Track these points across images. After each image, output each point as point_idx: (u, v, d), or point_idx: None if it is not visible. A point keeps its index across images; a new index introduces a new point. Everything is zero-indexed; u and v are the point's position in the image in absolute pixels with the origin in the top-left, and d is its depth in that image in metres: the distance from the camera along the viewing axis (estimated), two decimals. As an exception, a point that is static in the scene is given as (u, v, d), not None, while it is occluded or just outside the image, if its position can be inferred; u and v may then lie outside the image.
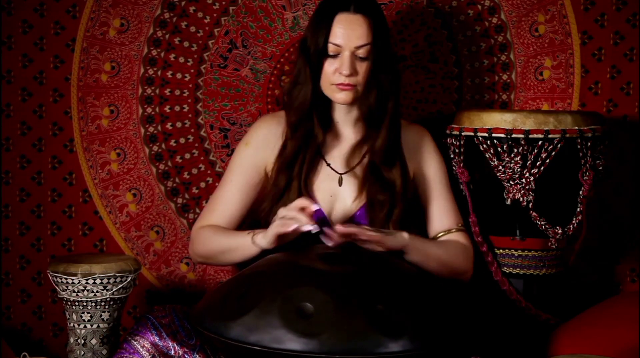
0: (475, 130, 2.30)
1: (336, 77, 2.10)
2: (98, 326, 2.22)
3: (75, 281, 2.19)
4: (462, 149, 2.33)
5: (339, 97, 2.13)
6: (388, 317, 1.71)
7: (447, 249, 2.19)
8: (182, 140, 2.57)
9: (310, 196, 2.12)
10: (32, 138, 2.53)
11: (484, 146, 2.28)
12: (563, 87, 2.57)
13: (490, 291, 2.37)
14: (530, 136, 2.24)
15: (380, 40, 2.11)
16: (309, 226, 1.96)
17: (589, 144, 2.28)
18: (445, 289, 1.97)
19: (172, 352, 1.93)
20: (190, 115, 2.56)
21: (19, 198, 2.54)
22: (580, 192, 2.31)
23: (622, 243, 2.61)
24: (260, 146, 2.22)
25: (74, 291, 2.20)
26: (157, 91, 2.55)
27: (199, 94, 2.56)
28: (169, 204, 2.58)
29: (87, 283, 2.19)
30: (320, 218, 2.09)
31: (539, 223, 2.30)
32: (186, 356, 1.93)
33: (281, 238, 2.01)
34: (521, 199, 2.28)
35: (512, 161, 2.26)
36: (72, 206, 2.57)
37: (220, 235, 2.17)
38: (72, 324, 2.24)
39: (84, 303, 2.21)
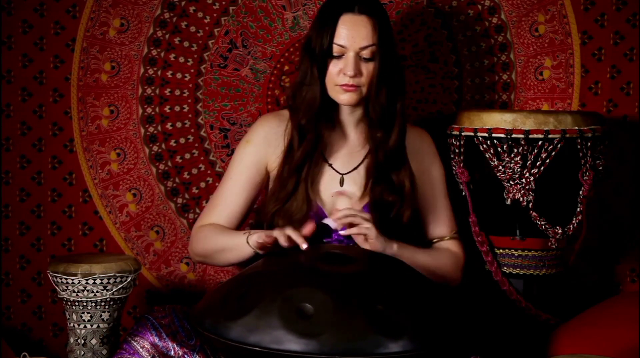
0: (475, 130, 2.30)
1: (340, 78, 2.10)
2: (98, 326, 2.22)
3: (75, 281, 2.19)
4: (462, 149, 2.33)
5: (343, 98, 2.12)
6: (388, 317, 1.71)
7: (437, 258, 2.19)
8: (182, 140, 2.57)
9: (313, 201, 2.13)
10: (32, 138, 2.53)
11: (484, 146, 2.28)
12: (563, 87, 2.57)
13: (490, 291, 2.37)
14: (530, 136, 2.24)
15: (385, 41, 2.11)
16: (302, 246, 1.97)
17: (589, 144, 2.28)
18: (445, 289, 1.97)
19: (172, 353, 1.93)
20: (190, 115, 2.56)
21: (19, 198, 2.54)
22: (580, 192, 2.31)
23: (622, 243, 2.61)
24: (262, 143, 2.21)
25: (74, 291, 2.20)
26: (157, 91, 2.55)
27: (199, 94, 2.56)
28: (169, 204, 2.58)
29: (87, 283, 2.19)
30: (320, 224, 2.10)
31: (539, 223, 2.30)
32: (186, 356, 1.93)
33: (265, 249, 2.02)
34: (521, 199, 2.28)
35: (512, 161, 2.26)
36: (72, 206, 2.57)
37: (219, 234, 2.17)
38: (72, 324, 2.24)
39: (84, 303, 2.21)
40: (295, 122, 2.16)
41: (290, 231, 1.97)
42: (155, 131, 2.56)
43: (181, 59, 2.55)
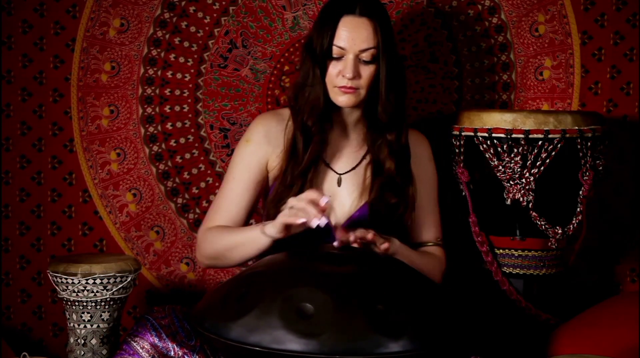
0: (475, 130, 2.30)
1: (339, 80, 2.09)
2: (98, 326, 2.23)
3: (75, 281, 2.19)
4: (462, 149, 2.33)
5: (341, 100, 2.12)
6: (388, 317, 1.71)
7: (427, 261, 2.19)
8: (182, 140, 2.57)
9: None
10: (32, 138, 2.54)
11: (484, 146, 2.28)
12: (563, 87, 2.57)
13: (490, 291, 2.37)
14: (530, 136, 2.24)
15: (387, 43, 2.09)
16: (317, 221, 1.94)
17: (589, 144, 2.28)
18: (445, 289, 1.97)
19: (172, 353, 1.93)
20: (190, 115, 2.56)
21: (19, 198, 2.54)
22: (580, 192, 2.31)
23: (622, 243, 2.61)
24: (262, 142, 2.20)
25: (74, 291, 2.20)
26: (157, 91, 2.55)
27: (199, 94, 2.56)
28: (169, 204, 2.58)
29: (87, 283, 2.19)
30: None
31: (539, 223, 2.30)
32: (186, 357, 1.93)
33: (289, 229, 1.99)
34: (521, 199, 2.28)
35: (512, 161, 2.26)
36: (72, 206, 2.57)
37: (229, 232, 2.14)
38: (72, 324, 2.24)
39: (84, 303, 2.21)
40: (299, 123, 2.14)
41: (308, 193, 1.96)
42: (155, 131, 2.56)
43: (181, 59, 2.55)
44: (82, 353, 2.22)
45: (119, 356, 1.94)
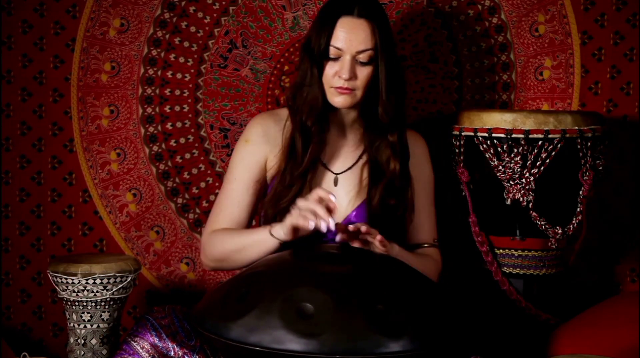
0: (475, 130, 2.30)
1: (335, 81, 2.09)
2: (98, 326, 2.23)
3: (75, 281, 2.19)
4: (462, 149, 2.33)
5: (337, 100, 2.11)
6: (388, 317, 1.71)
7: (424, 263, 2.18)
8: (182, 140, 2.57)
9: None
10: (32, 138, 2.54)
11: (484, 146, 2.28)
12: (563, 87, 2.57)
13: (490, 291, 2.37)
14: (530, 136, 2.24)
15: (384, 44, 2.09)
16: (325, 225, 1.93)
17: (589, 144, 2.28)
18: (445, 289, 1.97)
19: (172, 353, 1.93)
20: (190, 115, 2.56)
21: (19, 198, 2.54)
22: (580, 192, 2.31)
23: (622, 243, 2.61)
24: (261, 141, 2.20)
25: (74, 291, 2.20)
26: (157, 91, 2.55)
27: (199, 94, 2.56)
28: (169, 204, 2.58)
29: (87, 283, 2.19)
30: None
31: (539, 223, 2.30)
32: (186, 357, 1.93)
33: (297, 232, 1.98)
34: (521, 199, 2.28)
35: (512, 161, 2.26)
36: (72, 206, 2.57)
37: (235, 235, 2.13)
38: (72, 324, 2.24)
39: (84, 303, 2.21)
40: (297, 123, 2.14)
41: (316, 192, 1.96)
42: (155, 131, 2.56)
43: (181, 59, 2.55)
44: (82, 353, 2.22)
45: (119, 356, 1.95)
